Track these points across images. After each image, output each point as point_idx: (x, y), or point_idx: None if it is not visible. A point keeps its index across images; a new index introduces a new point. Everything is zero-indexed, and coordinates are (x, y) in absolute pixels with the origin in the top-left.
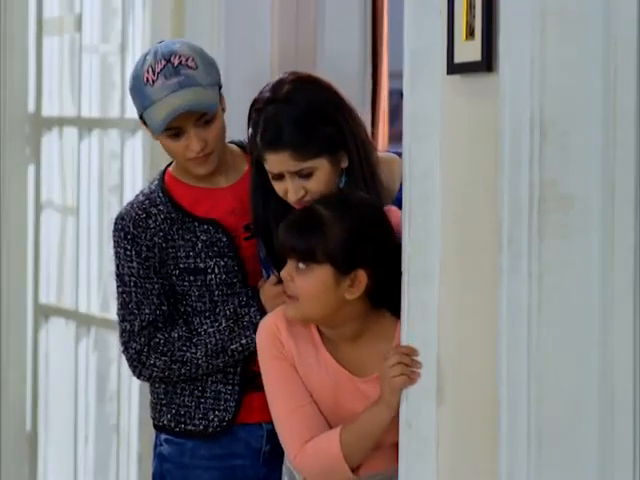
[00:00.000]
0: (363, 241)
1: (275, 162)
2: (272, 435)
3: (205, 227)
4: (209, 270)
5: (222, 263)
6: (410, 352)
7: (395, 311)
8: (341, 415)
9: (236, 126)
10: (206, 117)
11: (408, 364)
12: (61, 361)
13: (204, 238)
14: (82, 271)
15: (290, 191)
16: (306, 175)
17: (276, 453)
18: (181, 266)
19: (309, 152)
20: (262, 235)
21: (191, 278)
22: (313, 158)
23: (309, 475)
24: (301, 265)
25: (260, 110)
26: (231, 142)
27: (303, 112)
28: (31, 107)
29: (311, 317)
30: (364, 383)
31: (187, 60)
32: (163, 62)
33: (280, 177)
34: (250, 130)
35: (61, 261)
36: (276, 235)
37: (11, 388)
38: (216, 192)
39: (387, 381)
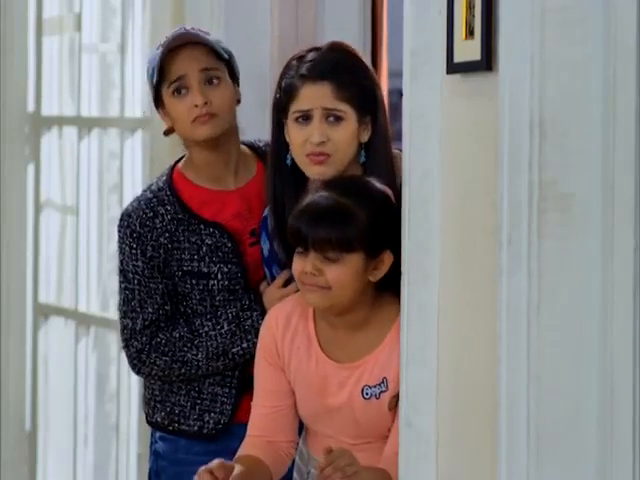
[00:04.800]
0: (386, 222)
1: (313, 95)
2: None
3: (211, 230)
4: (212, 275)
5: (225, 269)
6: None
7: (397, 289)
8: (326, 407)
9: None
10: (211, 73)
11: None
12: (61, 361)
13: (209, 242)
14: (82, 270)
15: (315, 133)
16: (335, 120)
17: None
18: (184, 268)
19: (347, 93)
20: (276, 215)
21: (193, 282)
22: (347, 102)
23: None
24: (332, 255)
25: (301, 57)
26: (242, 143)
27: (352, 56)
28: (31, 106)
29: (339, 305)
30: (347, 370)
31: (202, 29)
32: (177, 30)
33: (306, 119)
34: (283, 80)
35: (61, 260)
36: (288, 224)
37: (11, 388)
38: (224, 195)
39: None
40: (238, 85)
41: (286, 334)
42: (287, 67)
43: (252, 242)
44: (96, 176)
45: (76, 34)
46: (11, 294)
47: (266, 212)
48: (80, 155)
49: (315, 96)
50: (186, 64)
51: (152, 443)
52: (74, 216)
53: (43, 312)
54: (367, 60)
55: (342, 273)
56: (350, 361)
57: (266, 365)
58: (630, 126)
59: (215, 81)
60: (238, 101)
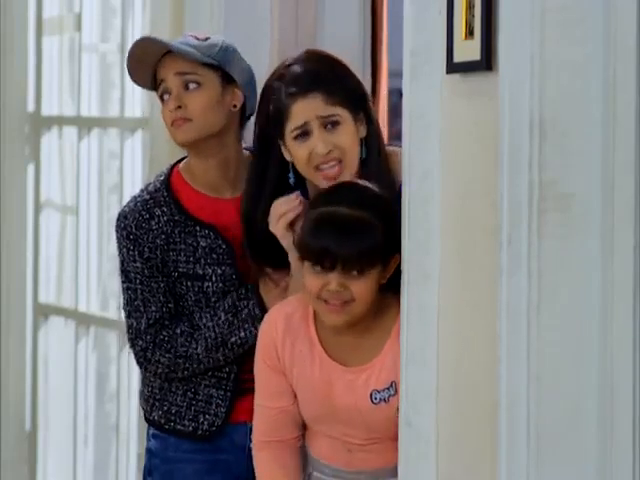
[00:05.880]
0: (393, 228)
1: (305, 109)
2: None
3: (206, 232)
4: (207, 277)
5: (219, 271)
6: None
7: (396, 288)
8: (334, 408)
9: None
10: (188, 78)
11: None
12: (60, 360)
13: (204, 244)
14: (81, 270)
15: (319, 145)
16: (333, 125)
17: None
18: (180, 270)
19: (337, 97)
20: (248, 226)
21: (188, 283)
22: (340, 105)
23: None
24: (355, 272)
25: (282, 75)
26: (246, 149)
27: (330, 60)
28: (30, 106)
29: (355, 316)
30: (353, 373)
31: (201, 34)
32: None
33: (305, 134)
34: (270, 104)
35: (60, 260)
36: (305, 241)
37: (11, 388)
38: (220, 203)
39: None
40: (241, 90)
41: (286, 338)
42: (269, 89)
43: (242, 254)
44: (96, 176)
45: (76, 34)
46: (11, 294)
47: None
48: (80, 155)
49: (308, 108)
50: (164, 68)
51: (147, 441)
52: (74, 216)
53: (43, 312)
54: (344, 59)
55: (366, 286)
56: (355, 364)
57: (265, 367)
58: (630, 126)
59: (192, 85)
60: (235, 106)
